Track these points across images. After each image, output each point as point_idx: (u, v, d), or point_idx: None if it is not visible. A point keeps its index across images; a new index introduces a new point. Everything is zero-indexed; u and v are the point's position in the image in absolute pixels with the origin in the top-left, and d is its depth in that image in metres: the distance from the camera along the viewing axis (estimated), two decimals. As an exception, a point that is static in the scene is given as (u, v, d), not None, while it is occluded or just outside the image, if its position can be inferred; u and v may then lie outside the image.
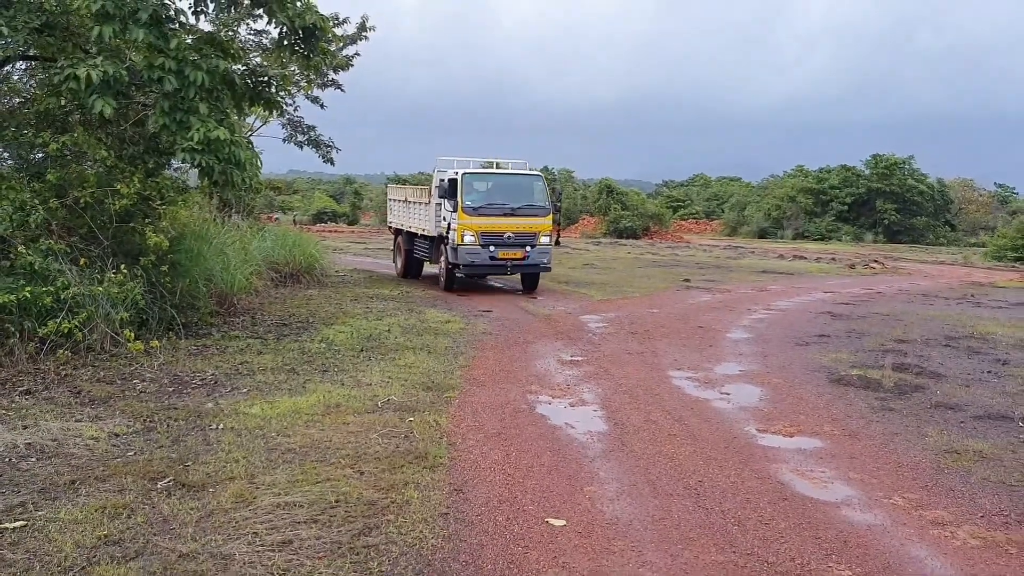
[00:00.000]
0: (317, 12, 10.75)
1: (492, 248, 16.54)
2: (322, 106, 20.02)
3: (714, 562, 4.54)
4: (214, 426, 6.75)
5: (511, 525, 4.96)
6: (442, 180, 16.87)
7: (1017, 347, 11.72)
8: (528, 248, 16.79)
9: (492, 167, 18.02)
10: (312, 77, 17.16)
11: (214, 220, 14.52)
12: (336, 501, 5.16)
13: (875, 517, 5.29)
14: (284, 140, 20.11)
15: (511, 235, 16.59)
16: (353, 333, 11.46)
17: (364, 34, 18.46)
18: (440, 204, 17.03)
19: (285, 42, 11.23)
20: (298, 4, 10.59)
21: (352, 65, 18.46)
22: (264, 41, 17.68)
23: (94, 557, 4.27)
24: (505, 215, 16.64)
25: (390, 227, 22.13)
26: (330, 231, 40.83)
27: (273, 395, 7.89)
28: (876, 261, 30.50)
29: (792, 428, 7.35)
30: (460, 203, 16.32)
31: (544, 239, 16.98)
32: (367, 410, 7.43)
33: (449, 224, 16.74)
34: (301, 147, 20.16)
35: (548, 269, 17.55)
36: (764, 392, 8.82)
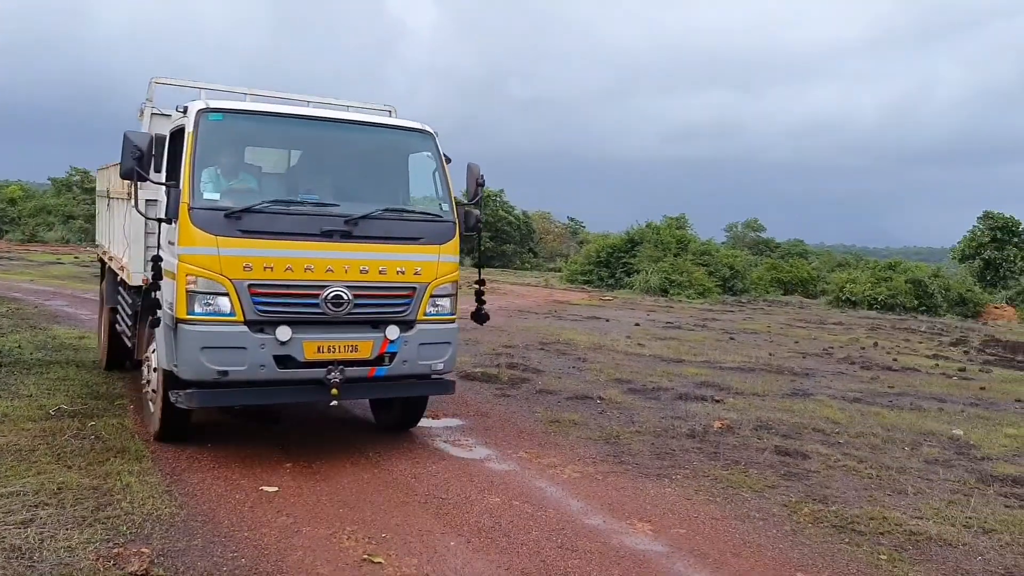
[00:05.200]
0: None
1: (285, 335, 6.34)
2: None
3: (400, 501, 5.90)
4: None
5: (232, 494, 5.84)
6: (133, 143, 6.22)
7: (591, 349, 14.83)
8: (393, 332, 6.75)
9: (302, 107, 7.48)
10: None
11: None
12: (59, 488, 5.57)
13: (508, 466, 7.07)
14: None
15: (343, 291, 6.50)
16: (-20, 350, 10.83)
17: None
18: (149, 201, 6.95)
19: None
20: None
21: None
22: None
23: None
24: (325, 236, 6.49)
25: (98, 255, 11.58)
26: None
27: (-77, 410, 7.56)
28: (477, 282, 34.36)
29: (438, 412, 8.98)
30: (186, 191, 6.19)
31: (442, 302, 7.09)
32: (42, 418, 7.52)
33: (157, 259, 6.53)
34: None
35: (447, 388, 7.40)
36: (408, 388, 10.42)
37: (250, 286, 6.21)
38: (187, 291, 6.14)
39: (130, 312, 8.17)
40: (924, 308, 34.71)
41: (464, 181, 7.47)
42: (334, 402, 6.59)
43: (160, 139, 6.68)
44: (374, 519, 5.53)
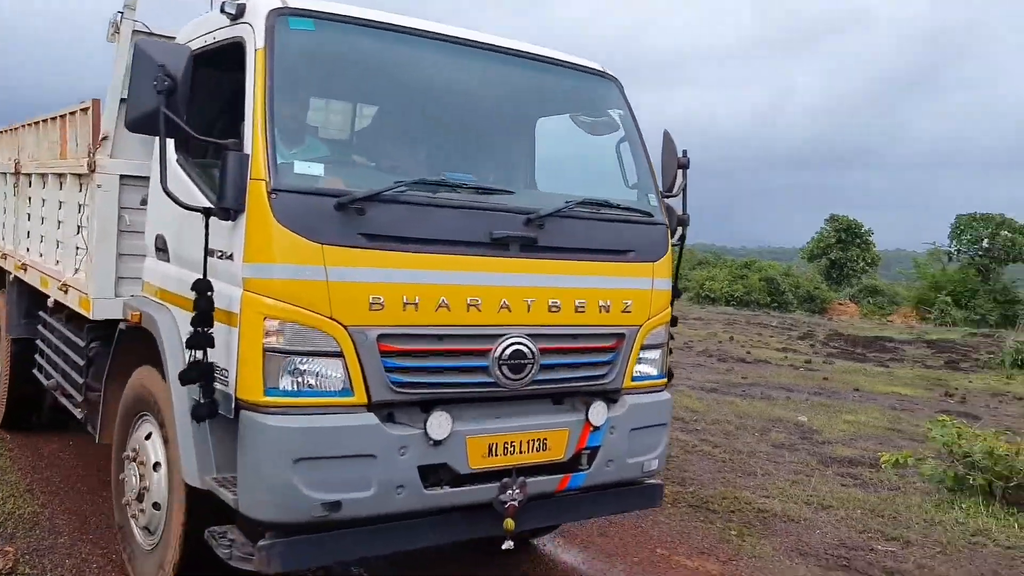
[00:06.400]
0: None
1: (442, 428, 3.44)
2: None
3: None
4: None
5: (99, 491, 5.66)
6: (157, 62, 3.22)
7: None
8: (598, 412, 3.92)
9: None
10: None
11: None
12: (-91, 491, 5.30)
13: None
14: None
15: (526, 343, 3.67)
16: None
17: None
18: (125, 178, 4.43)
19: None
20: None
21: None
22: None
23: None
24: (497, 247, 3.63)
25: None
26: None
27: None
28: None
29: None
30: (259, 157, 3.22)
31: (652, 356, 4.23)
32: None
33: (206, 285, 3.34)
34: None
35: (655, 497, 4.44)
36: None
37: (380, 338, 3.37)
38: (264, 348, 3.23)
39: (81, 360, 4.91)
40: (776, 304, 36.92)
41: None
42: (508, 543, 3.74)
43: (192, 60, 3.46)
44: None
